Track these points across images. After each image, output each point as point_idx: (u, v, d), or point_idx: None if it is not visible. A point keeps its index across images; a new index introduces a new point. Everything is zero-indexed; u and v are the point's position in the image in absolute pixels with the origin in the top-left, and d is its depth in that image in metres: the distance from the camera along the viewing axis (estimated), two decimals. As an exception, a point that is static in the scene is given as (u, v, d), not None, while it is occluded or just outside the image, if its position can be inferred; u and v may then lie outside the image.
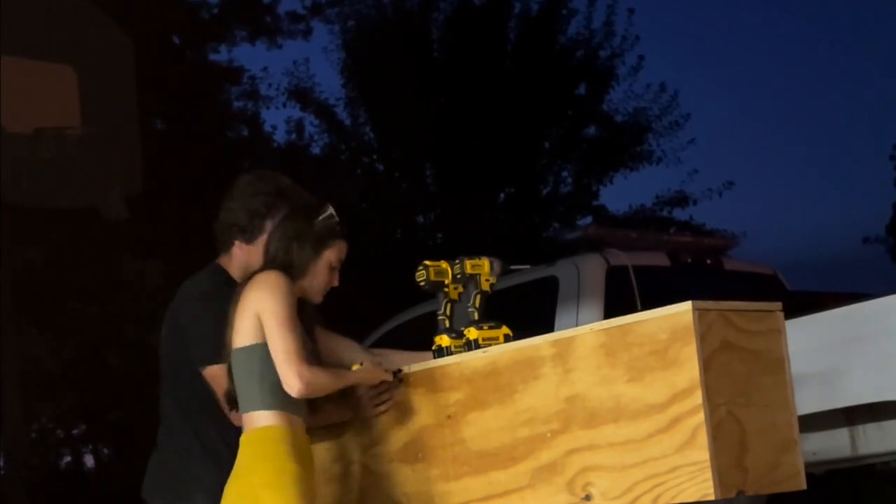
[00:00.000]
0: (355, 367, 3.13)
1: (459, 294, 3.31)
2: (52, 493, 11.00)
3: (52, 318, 8.71)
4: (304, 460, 3.02)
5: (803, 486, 2.99)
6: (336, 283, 3.19)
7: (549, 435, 2.97)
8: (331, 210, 3.16)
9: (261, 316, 2.98)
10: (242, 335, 3.01)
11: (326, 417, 3.25)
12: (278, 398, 2.99)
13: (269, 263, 3.10)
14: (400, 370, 3.23)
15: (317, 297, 3.17)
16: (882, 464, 4.52)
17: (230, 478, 3.01)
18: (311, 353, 3.06)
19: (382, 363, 3.23)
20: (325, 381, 3.02)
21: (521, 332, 3.23)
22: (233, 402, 3.07)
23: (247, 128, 13.16)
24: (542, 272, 5.10)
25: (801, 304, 4.24)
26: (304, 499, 2.95)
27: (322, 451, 3.39)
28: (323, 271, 3.14)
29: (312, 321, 3.17)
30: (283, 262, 3.09)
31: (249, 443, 3.00)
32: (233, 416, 3.11)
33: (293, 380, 2.94)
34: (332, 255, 3.15)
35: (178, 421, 3.28)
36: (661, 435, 2.80)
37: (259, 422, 3.00)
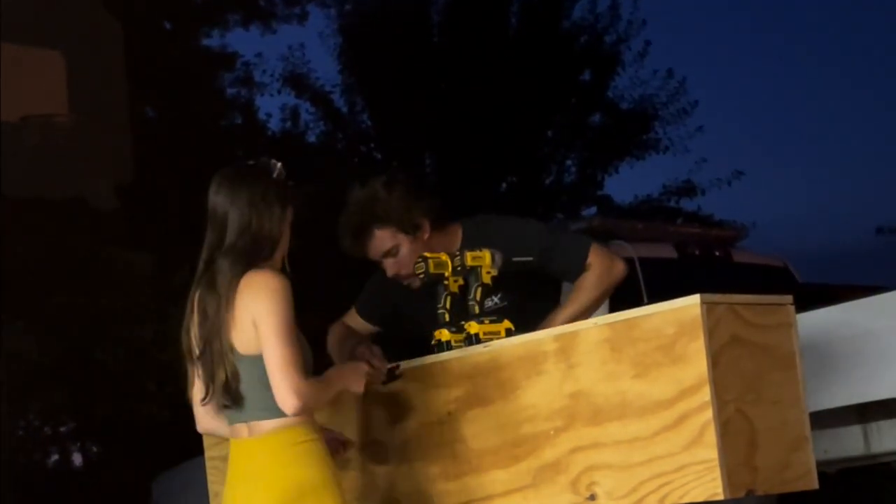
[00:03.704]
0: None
1: (460, 287, 3.24)
2: (40, 491, 10.97)
3: (39, 311, 8.65)
4: (329, 455, 2.89)
5: (815, 485, 2.94)
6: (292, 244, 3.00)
7: (552, 432, 2.92)
8: (280, 165, 2.96)
9: (257, 323, 2.80)
10: (247, 342, 2.83)
11: None
12: None
13: (238, 237, 2.87)
14: (398, 365, 3.17)
15: (283, 264, 2.96)
16: (896, 462, 4.47)
17: (245, 483, 2.83)
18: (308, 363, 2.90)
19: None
20: (321, 395, 2.85)
21: (523, 326, 3.15)
22: (230, 397, 2.86)
23: (240, 115, 13.08)
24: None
25: (813, 296, 4.18)
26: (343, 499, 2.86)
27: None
28: (287, 232, 2.95)
29: None
30: (254, 230, 2.87)
31: (275, 446, 2.82)
32: (207, 409, 2.93)
33: (288, 396, 2.75)
34: (290, 213, 2.96)
35: None
36: (668, 433, 2.75)
37: (279, 424, 2.82)
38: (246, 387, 2.84)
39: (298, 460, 2.81)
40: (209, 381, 2.87)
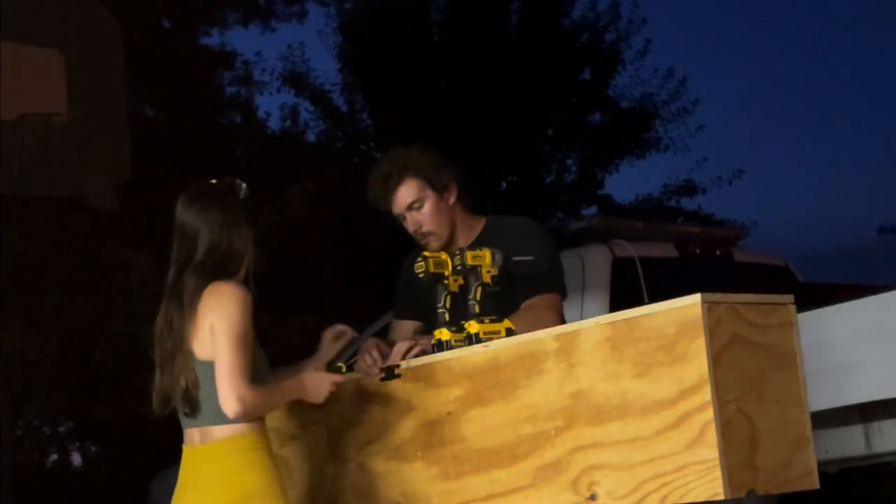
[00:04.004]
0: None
1: (460, 286, 3.23)
2: (39, 490, 10.95)
3: (37, 310, 8.63)
4: (277, 464, 3.02)
5: (816, 485, 2.93)
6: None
7: (552, 432, 2.91)
8: (244, 185, 3.09)
9: (214, 328, 2.91)
10: (205, 348, 2.94)
11: None
12: None
13: (207, 253, 2.99)
14: (398, 364, 3.16)
15: (248, 279, 3.09)
16: (897, 462, 4.46)
17: (199, 489, 2.94)
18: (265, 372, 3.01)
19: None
20: (265, 403, 2.95)
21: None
22: (189, 404, 2.96)
23: (240, 114, 13.05)
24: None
25: (814, 296, 4.17)
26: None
27: (318, 449, 3.33)
28: (252, 249, 3.07)
29: None
30: (224, 248, 3.00)
31: (226, 452, 2.93)
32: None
33: (230, 400, 2.86)
34: (253, 230, 3.08)
35: None
36: (669, 432, 2.74)
37: (232, 431, 2.94)
38: (203, 393, 2.95)
39: (245, 468, 2.91)
40: (170, 390, 2.98)
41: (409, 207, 3.42)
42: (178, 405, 2.99)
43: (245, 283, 3.03)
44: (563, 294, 3.43)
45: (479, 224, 3.50)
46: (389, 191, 3.42)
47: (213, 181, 3.09)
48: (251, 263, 3.06)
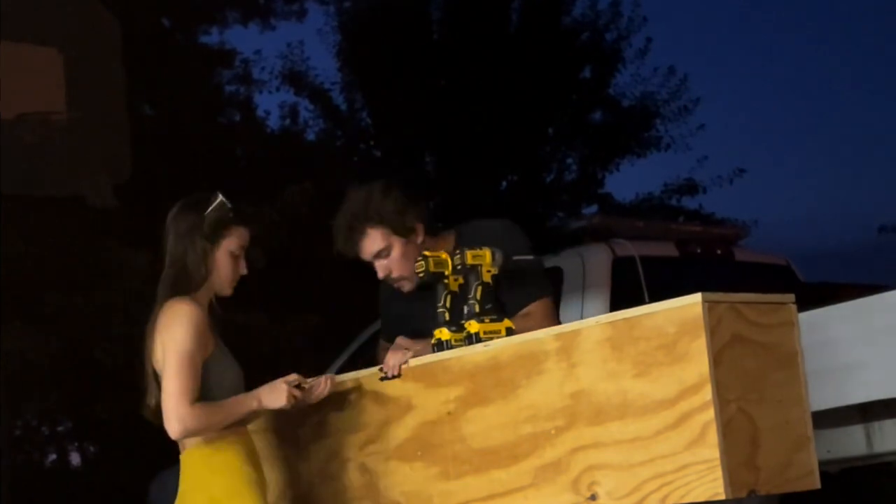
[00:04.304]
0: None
1: (460, 286, 3.21)
2: (37, 490, 10.92)
3: (37, 310, 8.62)
4: (256, 465, 3.06)
5: (817, 485, 2.92)
6: (244, 271, 3.17)
7: (553, 432, 2.90)
8: (220, 198, 3.12)
9: (164, 348, 2.99)
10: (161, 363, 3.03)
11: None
12: None
13: (169, 266, 3.09)
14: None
15: (226, 290, 3.15)
16: (898, 462, 4.45)
17: (179, 497, 3.03)
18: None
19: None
20: (209, 423, 2.98)
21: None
22: (158, 417, 3.04)
23: (239, 113, 13.01)
24: (545, 263, 5.01)
25: (815, 295, 4.15)
26: (264, 501, 3.01)
27: (318, 449, 3.33)
28: (224, 262, 3.11)
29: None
30: (182, 262, 3.07)
31: (198, 459, 3.01)
32: None
33: (173, 422, 2.94)
34: (230, 243, 3.12)
35: None
36: (670, 432, 2.73)
37: (198, 440, 3.01)
38: None
39: (210, 473, 2.99)
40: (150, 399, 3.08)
41: (377, 256, 3.37)
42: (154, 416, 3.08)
43: (211, 302, 3.07)
44: (552, 293, 3.41)
45: (450, 240, 3.43)
46: (354, 243, 3.37)
47: (198, 194, 3.14)
48: (225, 281, 3.09)
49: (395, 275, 3.37)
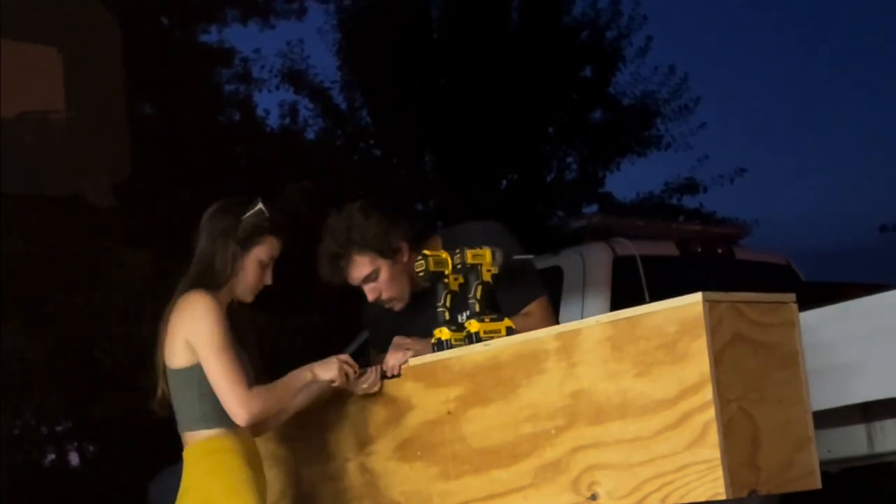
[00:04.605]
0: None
1: (460, 285, 3.21)
2: (36, 490, 10.90)
3: (36, 310, 8.61)
4: (255, 465, 3.05)
5: (818, 485, 2.91)
6: (269, 281, 3.14)
7: (553, 432, 2.89)
8: (260, 205, 3.10)
9: (192, 344, 2.96)
10: (176, 358, 3.00)
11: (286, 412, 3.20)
12: (221, 416, 2.98)
13: (196, 263, 3.06)
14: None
15: (248, 297, 3.12)
16: (899, 461, 4.44)
17: (180, 495, 3.02)
18: (258, 373, 3.04)
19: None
20: (272, 403, 2.98)
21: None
22: (167, 410, 3.07)
23: (238, 112, 12.99)
24: (545, 262, 5.00)
25: (816, 294, 4.14)
26: (261, 502, 3.00)
27: (318, 449, 3.32)
28: (252, 269, 3.09)
29: (246, 331, 3.12)
30: (209, 260, 3.04)
31: (198, 456, 3.01)
32: None
33: (238, 409, 2.92)
34: (261, 251, 3.10)
35: None
36: (670, 432, 2.72)
37: (204, 436, 3.01)
38: (176, 401, 3.03)
39: (208, 471, 2.98)
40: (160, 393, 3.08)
41: (365, 280, 3.35)
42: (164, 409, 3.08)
43: (232, 304, 3.05)
44: (548, 292, 3.41)
45: (435, 246, 3.40)
46: (340, 270, 3.35)
47: (238, 196, 3.13)
48: (249, 286, 3.07)
49: (385, 296, 3.36)
